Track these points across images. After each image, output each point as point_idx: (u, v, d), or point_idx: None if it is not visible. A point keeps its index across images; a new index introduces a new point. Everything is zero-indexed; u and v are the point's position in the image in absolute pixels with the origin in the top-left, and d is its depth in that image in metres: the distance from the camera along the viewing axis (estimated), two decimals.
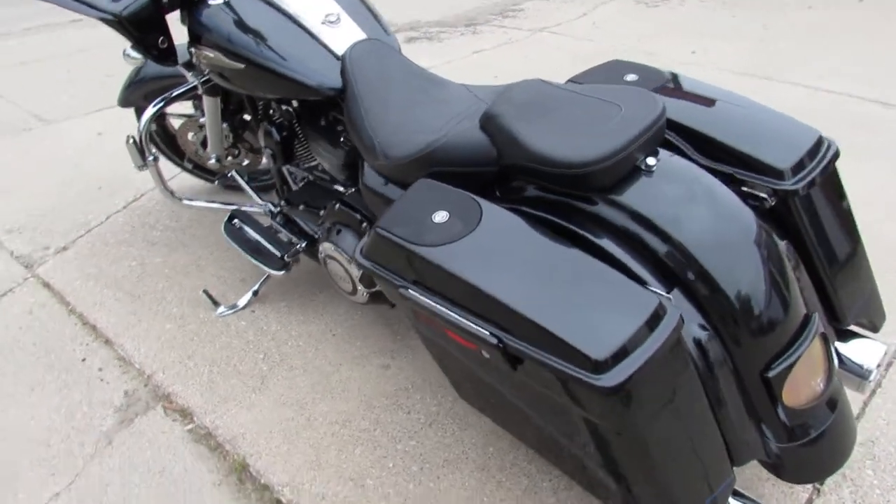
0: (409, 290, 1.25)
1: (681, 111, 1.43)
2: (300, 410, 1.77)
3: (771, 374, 1.19)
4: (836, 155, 1.37)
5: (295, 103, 1.88)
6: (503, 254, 1.17)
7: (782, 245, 1.32)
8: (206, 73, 1.92)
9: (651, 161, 1.26)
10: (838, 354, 1.44)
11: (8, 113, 3.54)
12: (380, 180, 1.60)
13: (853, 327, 1.49)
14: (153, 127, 2.50)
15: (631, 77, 1.54)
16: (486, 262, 1.16)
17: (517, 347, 1.09)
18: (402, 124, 1.55)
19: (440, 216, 1.26)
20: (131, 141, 1.98)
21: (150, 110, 2.00)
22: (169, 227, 2.53)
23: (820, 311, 1.39)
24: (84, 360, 1.96)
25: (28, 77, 4.02)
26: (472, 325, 1.15)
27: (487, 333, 1.12)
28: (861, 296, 1.44)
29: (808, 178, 1.31)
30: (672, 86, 1.51)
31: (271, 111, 1.96)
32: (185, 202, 2.18)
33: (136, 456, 1.68)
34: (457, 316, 1.17)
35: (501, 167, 1.36)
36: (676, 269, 1.20)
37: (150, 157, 2.04)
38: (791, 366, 1.20)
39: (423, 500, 1.55)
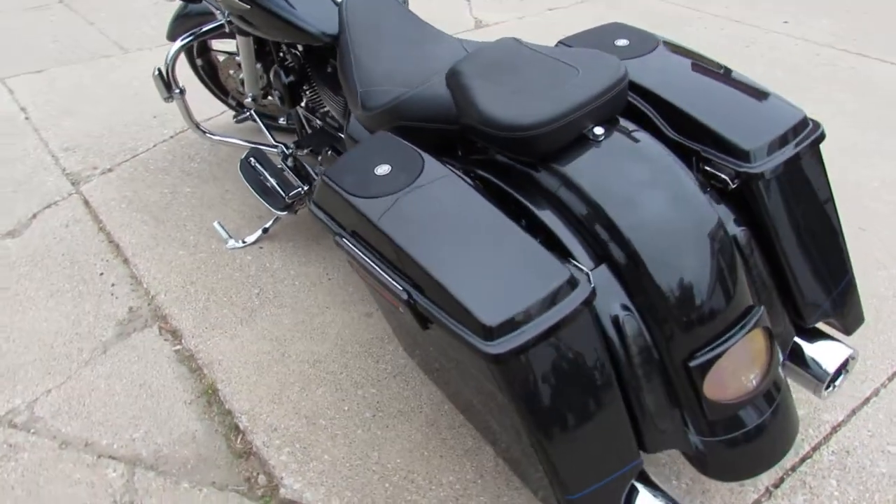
0: (343, 240, 1.27)
1: (659, 81, 1.35)
2: (277, 346, 1.85)
3: (692, 363, 1.14)
4: (819, 139, 1.27)
5: (300, 48, 1.91)
6: (429, 212, 1.17)
7: (740, 232, 1.24)
8: (226, 12, 1.97)
9: (598, 131, 1.21)
10: (799, 353, 1.35)
11: (95, 40, 3.77)
12: (361, 130, 1.61)
13: (828, 329, 1.39)
14: (199, 62, 2.60)
15: (622, 42, 1.47)
16: (409, 218, 1.16)
17: (424, 305, 1.10)
18: (383, 75, 1.55)
19: (382, 169, 1.26)
20: (157, 72, 2.07)
21: (177, 44, 2.09)
22: (206, 160, 2.65)
23: (778, 306, 1.30)
24: (102, 274, 2.12)
25: (121, 6, 4.24)
26: (387, 278, 1.16)
27: (400, 288, 1.14)
28: (831, 294, 1.34)
29: (776, 163, 1.22)
30: (661, 53, 1.43)
31: (282, 53, 2.00)
32: (209, 136, 2.27)
33: (125, 368, 1.82)
34: (377, 268, 1.18)
35: (461, 126, 1.35)
36: (606, 244, 1.16)
37: (177, 90, 2.13)
38: (715, 358, 1.14)
39: (367, 445, 1.59)
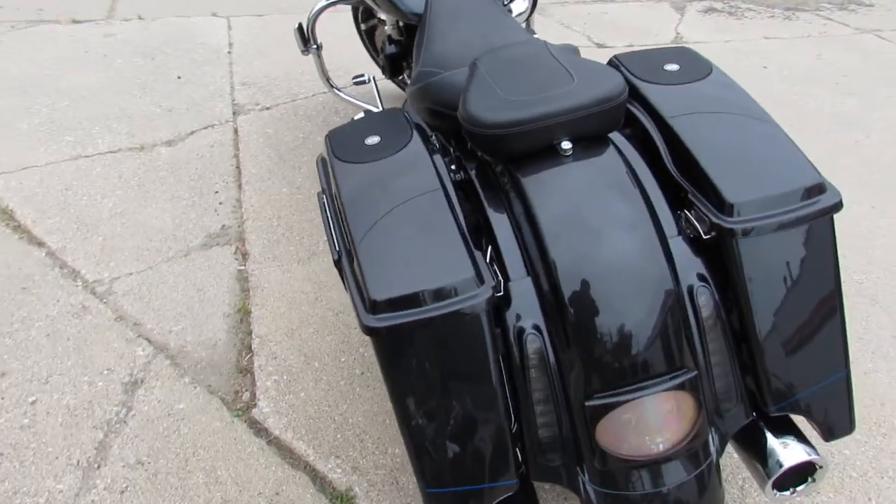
0: (323, 196, 1.37)
1: (679, 111, 1.27)
2: (316, 289, 2.00)
3: (588, 403, 1.08)
4: (831, 209, 1.11)
5: (401, 23, 2.01)
6: (385, 187, 1.22)
7: (700, 288, 1.14)
8: None
9: (566, 145, 1.17)
10: (756, 440, 1.20)
11: None
12: (409, 106, 1.68)
13: (807, 426, 1.22)
14: (364, 26, 2.82)
15: (672, 66, 1.39)
16: (365, 187, 1.23)
17: (345, 269, 1.17)
18: (437, 58, 1.60)
19: (373, 139, 1.33)
20: (297, 27, 2.30)
21: (320, 4, 2.29)
22: (349, 117, 2.87)
23: (736, 379, 1.17)
24: (217, 192, 2.42)
25: None
26: (332, 236, 1.24)
27: (336, 249, 1.21)
28: (810, 388, 1.17)
29: (762, 223, 1.09)
30: (702, 85, 1.32)
31: (389, 27, 2.12)
32: (335, 91, 2.48)
33: (193, 272, 2.08)
34: (330, 226, 1.27)
35: None
36: (533, 260, 1.13)
37: (314, 46, 2.35)
38: (613, 405, 1.07)
39: (342, 396, 1.69)
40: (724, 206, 1.11)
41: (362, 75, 2.40)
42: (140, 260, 2.12)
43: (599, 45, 3.75)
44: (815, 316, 1.15)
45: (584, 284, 1.07)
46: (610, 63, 1.44)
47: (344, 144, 1.34)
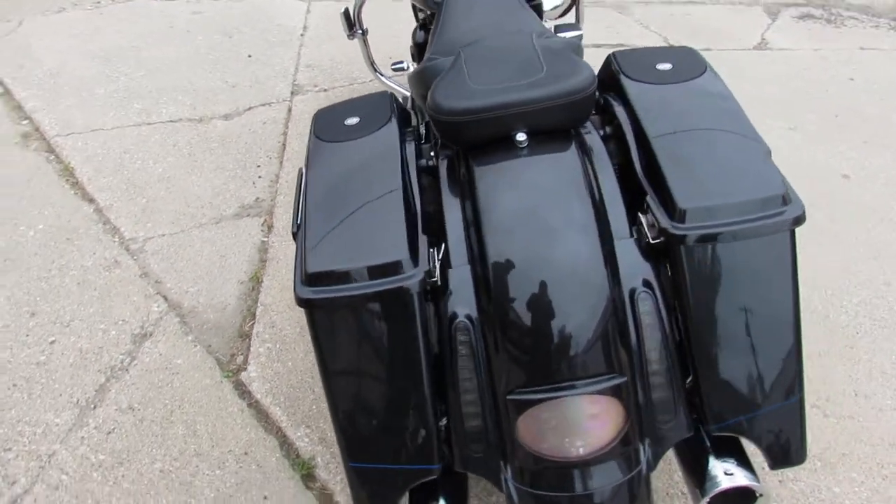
0: (302, 170, 1.41)
1: (654, 112, 1.23)
2: None
3: (510, 397, 1.07)
4: (788, 223, 1.04)
5: (429, 11, 2.02)
6: (348, 167, 1.25)
7: (642, 294, 1.10)
8: None
9: (520, 137, 1.16)
10: (698, 457, 1.15)
11: None
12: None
13: (756, 452, 1.15)
14: (420, 15, 2.85)
15: (664, 66, 1.34)
16: (331, 167, 1.26)
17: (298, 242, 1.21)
18: (444, 46, 1.61)
19: (352, 120, 1.36)
20: (343, 11, 2.35)
21: None
22: None
23: (677, 392, 1.12)
24: (259, 166, 2.53)
25: None
26: (298, 207, 1.28)
27: (298, 222, 1.25)
28: (756, 411, 1.10)
29: (711, 231, 1.04)
30: (686, 87, 1.27)
31: (421, 14, 2.13)
32: (378, 76, 2.52)
33: (220, 240, 2.19)
34: (300, 199, 1.31)
35: None
36: (473, 250, 1.13)
37: (359, 31, 2.40)
38: (534, 401, 1.05)
39: None
40: (674, 212, 1.07)
41: (401, 62, 2.43)
42: (175, 223, 2.25)
43: None
44: (767, 336, 1.09)
45: (515, 278, 1.06)
46: (606, 59, 1.41)
47: (326, 123, 1.38)
